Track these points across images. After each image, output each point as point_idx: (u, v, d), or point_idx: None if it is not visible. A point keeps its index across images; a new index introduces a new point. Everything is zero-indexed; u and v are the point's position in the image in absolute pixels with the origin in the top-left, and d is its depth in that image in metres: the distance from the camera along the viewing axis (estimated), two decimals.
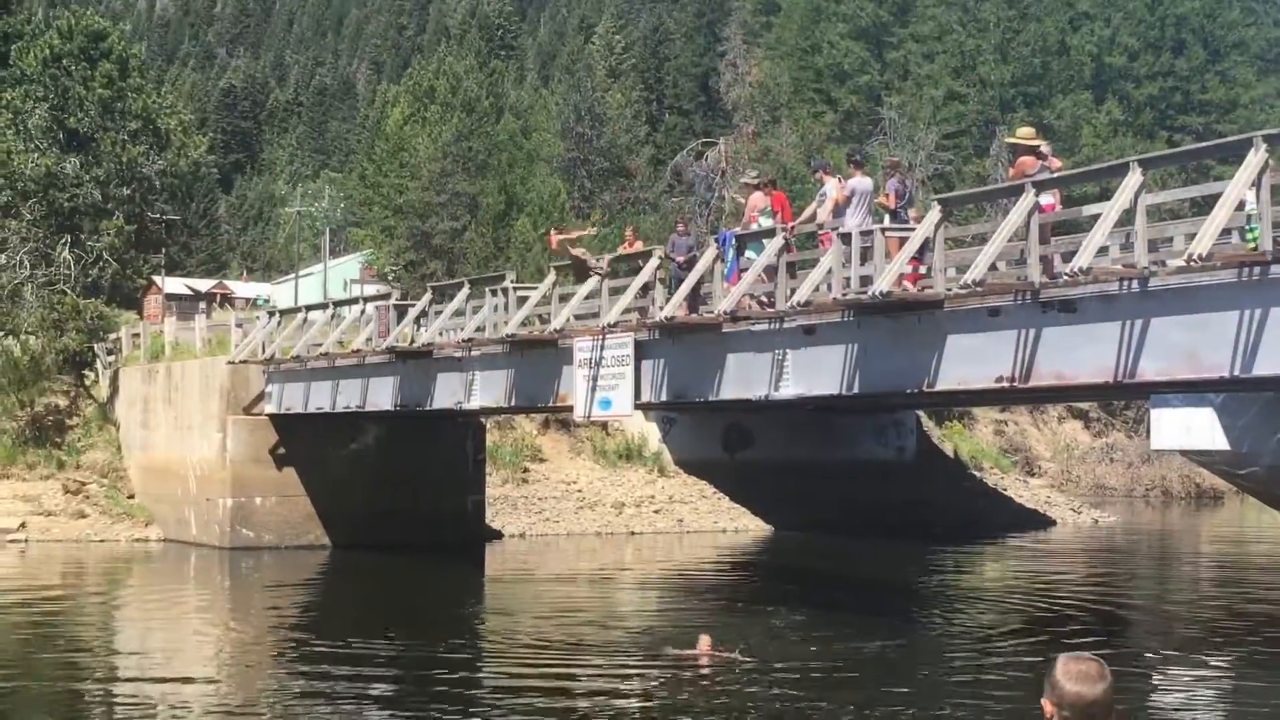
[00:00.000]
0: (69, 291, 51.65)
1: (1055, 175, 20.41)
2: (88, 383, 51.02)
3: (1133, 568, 42.39)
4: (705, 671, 21.02)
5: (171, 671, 22.30)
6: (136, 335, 50.72)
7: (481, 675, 22.08)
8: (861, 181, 22.83)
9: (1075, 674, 5.11)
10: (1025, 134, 21.70)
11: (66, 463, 46.56)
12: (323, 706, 18.95)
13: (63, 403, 49.66)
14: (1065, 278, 18.30)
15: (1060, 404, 70.78)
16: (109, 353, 51.03)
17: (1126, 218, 18.27)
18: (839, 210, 23.19)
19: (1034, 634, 26.24)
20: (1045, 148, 21.52)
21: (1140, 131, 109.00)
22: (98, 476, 46.22)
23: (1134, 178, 17.67)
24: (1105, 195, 23.17)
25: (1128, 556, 45.51)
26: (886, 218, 22.32)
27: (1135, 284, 17.97)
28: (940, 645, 25.13)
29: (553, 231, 34.50)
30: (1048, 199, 19.71)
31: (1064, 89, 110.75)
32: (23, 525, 43.00)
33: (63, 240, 53.42)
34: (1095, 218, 18.61)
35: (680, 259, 26.73)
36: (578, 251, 28.26)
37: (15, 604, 30.08)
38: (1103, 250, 19.49)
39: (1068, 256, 19.03)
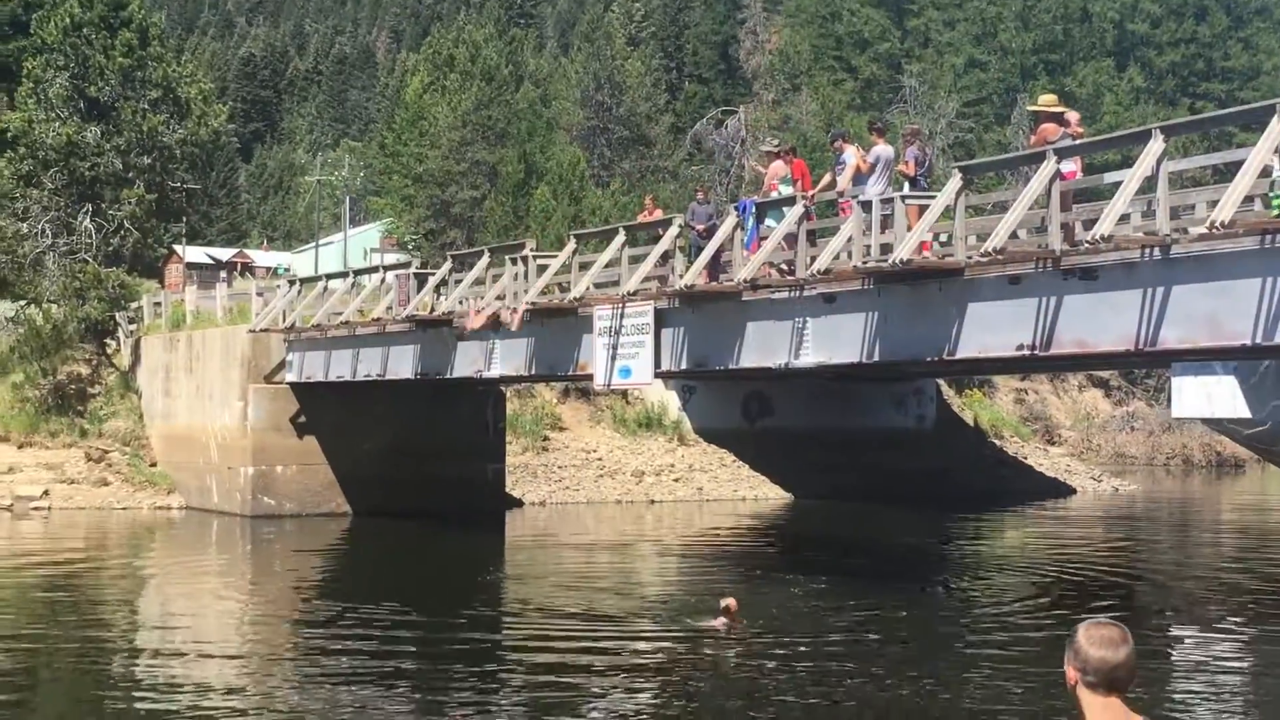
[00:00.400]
0: (90, 260, 51.78)
1: (1077, 142, 20.34)
2: (109, 351, 51.19)
3: (1153, 535, 42.34)
4: (726, 639, 20.91)
5: (192, 635, 22.40)
6: (158, 304, 50.86)
7: (499, 640, 22.13)
8: (884, 149, 22.80)
9: (1099, 639, 5.13)
10: (1048, 101, 21.65)
11: (89, 431, 46.75)
12: (342, 669, 19.02)
13: (85, 371, 49.83)
14: (1086, 245, 18.26)
15: (1081, 372, 70.72)
16: (130, 321, 51.16)
17: (1148, 185, 18.21)
18: (859, 178, 23.17)
19: (1055, 602, 26.25)
20: (1071, 115, 21.46)
21: (1162, 98, 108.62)
22: (120, 445, 46.41)
23: (1156, 145, 17.61)
24: (1127, 162, 23.11)
25: (1148, 524, 45.46)
26: (906, 185, 22.29)
27: (1157, 251, 17.93)
28: (961, 614, 25.14)
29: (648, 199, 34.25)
30: (1069, 166, 19.65)
31: (1086, 56, 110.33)
32: (45, 493, 43.20)
33: (84, 209, 53.53)
34: (1117, 185, 18.55)
35: (700, 227, 26.73)
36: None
37: (39, 570, 30.24)
38: (1124, 218, 19.45)
39: (1089, 224, 18.98)
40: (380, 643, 21.33)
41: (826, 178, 24.72)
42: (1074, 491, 54.05)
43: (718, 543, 38.15)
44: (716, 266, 26.03)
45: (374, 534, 38.91)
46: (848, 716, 16.35)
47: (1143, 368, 67.04)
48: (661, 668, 19.40)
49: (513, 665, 19.86)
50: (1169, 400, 42.08)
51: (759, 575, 29.55)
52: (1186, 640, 22.84)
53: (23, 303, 52.73)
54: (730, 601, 21.60)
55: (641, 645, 21.16)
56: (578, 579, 29.24)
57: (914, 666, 19.30)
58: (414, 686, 18.07)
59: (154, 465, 46.07)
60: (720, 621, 21.33)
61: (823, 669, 19.09)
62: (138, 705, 16.94)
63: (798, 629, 22.13)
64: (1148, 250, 18.10)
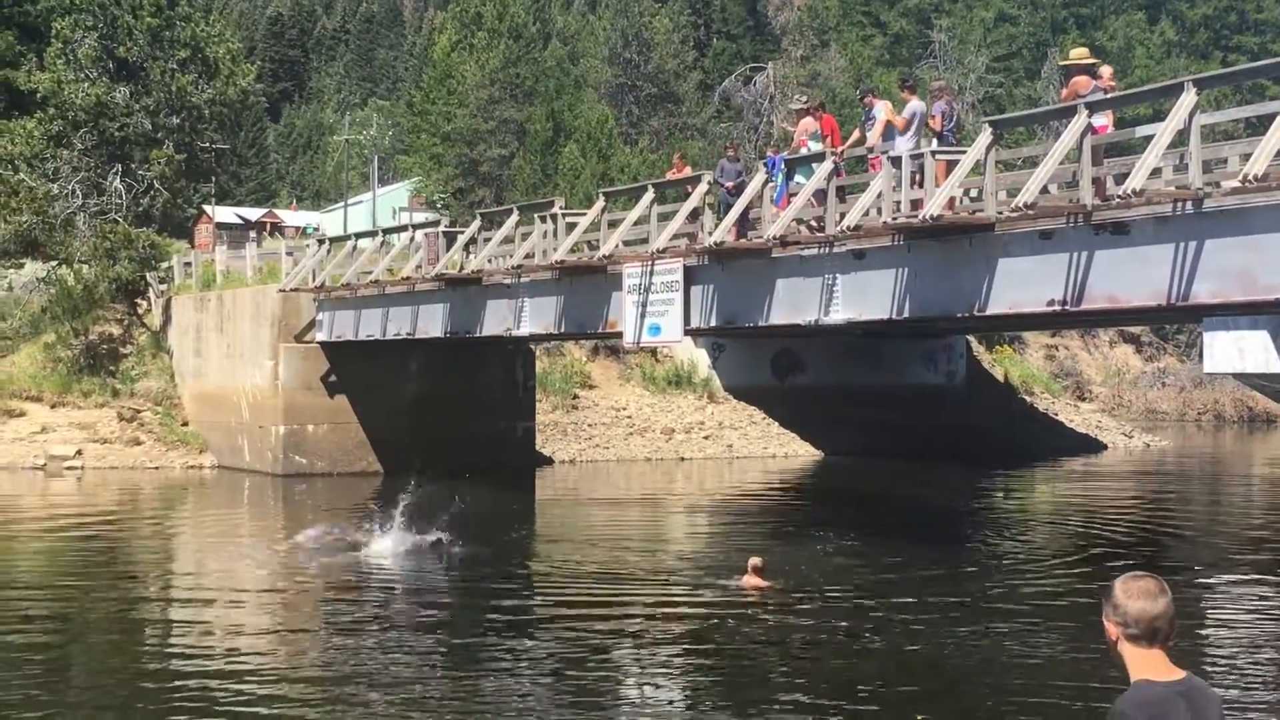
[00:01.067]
0: (120, 221, 51.95)
1: (1108, 96, 20.20)
2: (140, 311, 51.38)
3: (1185, 491, 42.25)
4: (753, 600, 20.84)
5: (224, 589, 22.52)
6: (188, 264, 51.01)
7: (530, 596, 22.20)
8: (917, 105, 22.71)
9: (1137, 591, 5.13)
10: (1079, 54, 21.50)
11: (121, 391, 46.97)
12: (371, 626, 19.12)
13: (116, 331, 50.04)
14: (1118, 200, 18.16)
15: (1112, 328, 70.44)
16: (161, 281, 51.33)
17: (1180, 139, 18.09)
18: (888, 134, 23.08)
19: (1088, 557, 26.22)
20: (1104, 69, 21.33)
21: (1194, 52, 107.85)
22: (152, 404, 46.63)
23: (1188, 98, 17.49)
24: (1159, 116, 22.96)
25: (1180, 480, 45.37)
26: (934, 141, 22.20)
27: (1189, 205, 17.83)
28: (993, 570, 25.12)
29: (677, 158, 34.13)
30: (1101, 120, 19.53)
31: (1117, 9, 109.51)
32: (79, 453, 43.44)
33: (114, 170, 53.67)
34: (1148, 139, 18.44)
35: (729, 185, 26.65)
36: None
37: (73, 528, 30.42)
38: (1156, 172, 19.34)
39: (1120, 178, 18.88)
40: (406, 600, 21.43)
41: (856, 133, 24.64)
42: (1105, 448, 53.94)
43: (748, 500, 38.21)
44: (745, 223, 25.98)
45: (404, 490, 38.98)
46: (875, 674, 16.37)
47: (1174, 323, 66.80)
48: (690, 628, 19.41)
49: (543, 627, 19.92)
50: (1200, 355, 41.93)
51: (790, 532, 29.56)
52: (1222, 594, 22.80)
53: (54, 263, 52.93)
54: (756, 560, 21.59)
55: (670, 604, 21.12)
56: (608, 537, 29.28)
57: (948, 624, 19.31)
58: (443, 633, 18.17)
59: (186, 425, 46.28)
60: (747, 580, 21.31)
61: (854, 627, 19.12)
62: (171, 646, 17.07)
63: (827, 586, 22.12)
64: (1179, 204, 17.99)
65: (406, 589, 22.63)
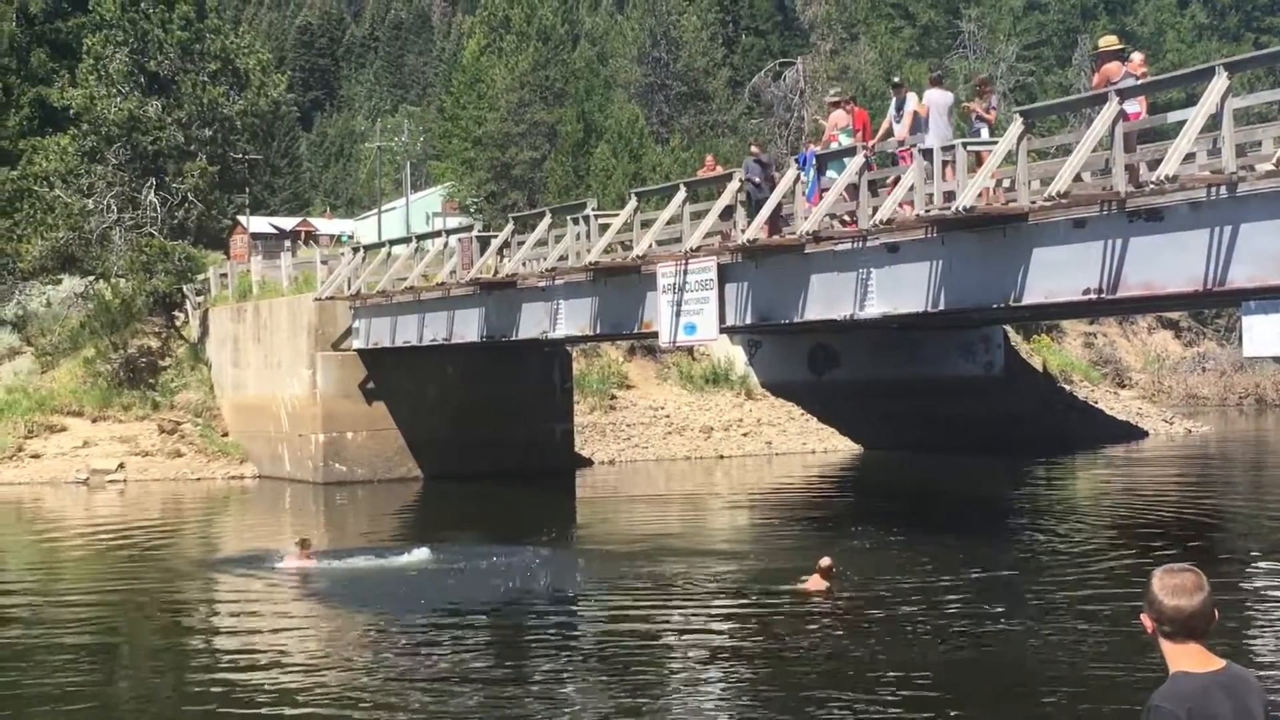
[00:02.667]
0: (156, 234, 52.22)
1: (1140, 82, 20.10)
2: (178, 323, 51.64)
3: (1228, 476, 42.01)
4: (821, 602, 20.43)
5: (269, 588, 22.59)
6: (224, 275, 51.21)
7: (582, 608, 22.18)
8: (940, 95, 22.62)
9: (1172, 588, 5.09)
10: (1109, 42, 21.40)
11: (161, 403, 47.21)
12: (417, 621, 19.14)
13: (154, 344, 50.31)
14: (1152, 186, 18.07)
15: (1150, 314, 70.05)
16: (198, 293, 51.58)
17: (1213, 123, 17.99)
18: (916, 125, 23.02)
19: (1132, 546, 26.09)
20: (1135, 56, 21.23)
21: (1226, 34, 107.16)
22: (192, 416, 46.87)
23: (1220, 82, 17.40)
24: (1191, 101, 22.84)
25: (1223, 466, 45.11)
26: (985, 130, 22.12)
27: (1223, 190, 17.73)
28: (1039, 562, 25.01)
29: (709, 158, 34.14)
30: (1133, 107, 19.43)
31: None
32: (121, 466, 43.69)
33: (148, 183, 53.95)
34: (1181, 124, 18.34)
35: (755, 180, 26.54)
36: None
37: (119, 535, 30.54)
38: (1189, 157, 19.23)
39: (1154, 165, 18.79)
40: (448, 597, 21.44)
41: (885, 125, 24.58)
42: (1146, 434, 53.67)
43: (792, 497, 38.15)
44: (779, 219, 25.94)
45: (446, 495, 39.14)
46: (942, 670, 16.33)
47: (1212, 307, 66.37)
48: (760, 631, 19.33)
49: (597, 634, 19.93)
50: (1240, 339, 41.72)
51: (840, 530, 29.47)
52: (1266, 582, 22.65)
53: (91, 278, 53.26)
54: (826, 561, 21.12)
55: (737, 609, 20.93)
56: (663, 538, 29.15)
57: (1000, 618, 19.25)
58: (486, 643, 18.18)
59: (226, 435, 46.49)
60: (816, 581, 20.96)
61: (918, 625, 19.07)
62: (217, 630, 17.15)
63: (880, 585, 21.96)
64: (1214, 189, 17.89)
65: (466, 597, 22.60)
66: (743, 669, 16.69)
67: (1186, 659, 5.07)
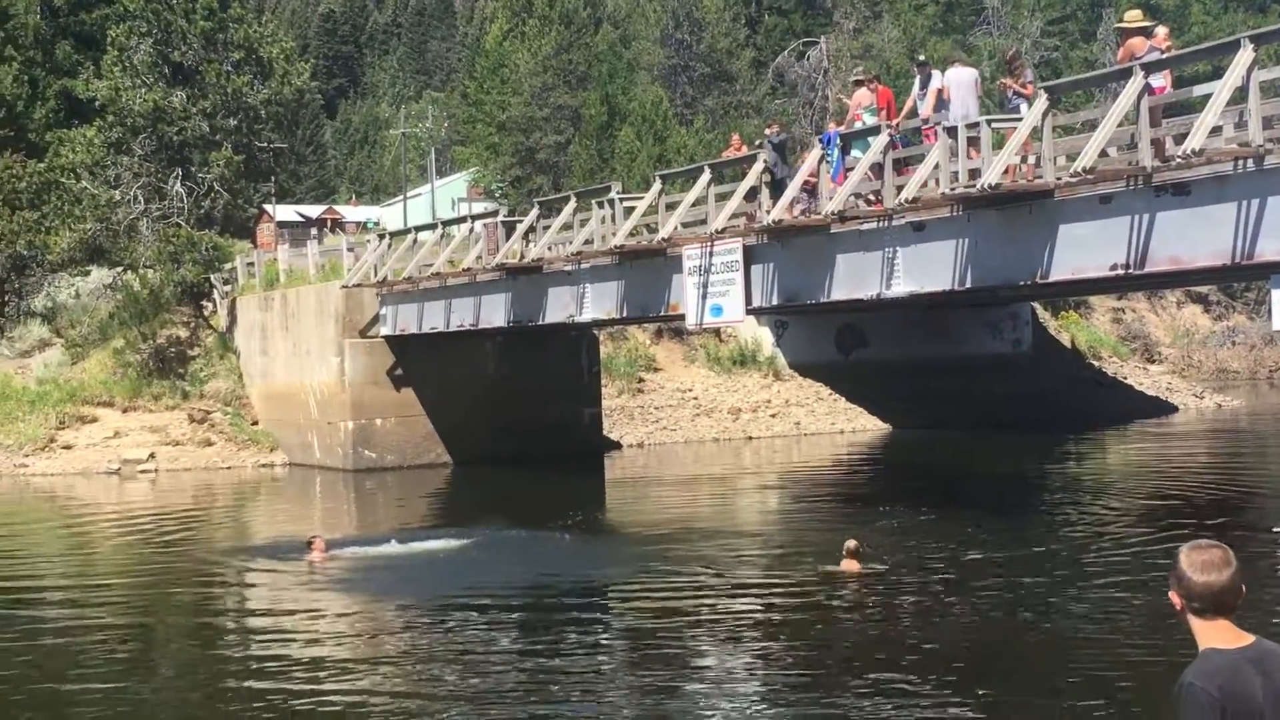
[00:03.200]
0: (183, 224, 52.38)
1: (1164, 56, 20.01)
2: (206, 313, 51.82)
3: (1261, 449, 41.84)
4: (852, 585, 20.25)
5: (291, 577, 22.69)
6: (251, 264, 51.35)
7: (618, 592, 22.19)
8: (960, 73, 22.52)
9: (1200, 564, 5.07)
10: (1133, 17, 21.30)
11: (190, 393, 47.40)
12: (450, 598, 19.18)
13: (183, 334, 50.50)
14: (1178, 160, 17.99)
15: (1178, 288, 69.72)
16: (225, 283, 51.74)
17: (1239, 96, 17.90)
18: (941, 104, 22.96)
19: (1164, 522, 26.01)
20: (1160, 30, 21.11)
21: (1251, 6, 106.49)
22: (221, 405, 47.05)
23: (1246, 54, 17.30)
24: (1217, 74, 22.71)
25: (1254, 439, 44.92)
26: (1024, 106, 22.04)
27: (1250, 163, 17.64)
28: (1071, 538, 24.93)
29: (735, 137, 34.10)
30: (1158, 81, 19.34)
31: None
32: (151, 455, 43.89)
33: (174, 173, 54.11)
34: (1207, 98, 18.24)
35: (771, 160, 26.43)
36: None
37: (152, 522, 30.69)
38: (1216, 130, 19.11)
39: (1180, 139, 18.70)
40: (476, 576, 21.48)
41: (909, 103, 24.51)
42: (1176, 409, 53.47)
43: (819, 477, 38.13)
44: (804, 195, 25.87)
45: (476, 480, 39.24)
46: (977, 649, 16.32)
47: (1241, 281, 66.03)
48: (790, 613, 19.33)
49: (626, 617, 19.97)
50: (1269, 313, 41.50)
51: (873, 509, 29.44)
52: None
53: (119, 269, 53.48)
54: (852, 543, 21.05)
55: (766, 590, 20.92)
56: (686, 520, 29.23)
57: (1026, 598, 19.23)
58: (516, 615, 18.22)
59: (255, 424, 46.66)
60: (848, 563, 20.82)
61: (952, 604, 19.07)
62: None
63: (915, 562, 21.92)
64: (1241, 162, 17.81)
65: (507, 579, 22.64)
66: (774, 649, 16.70)
67: (1216, 636, 5.06)
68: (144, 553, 27.17)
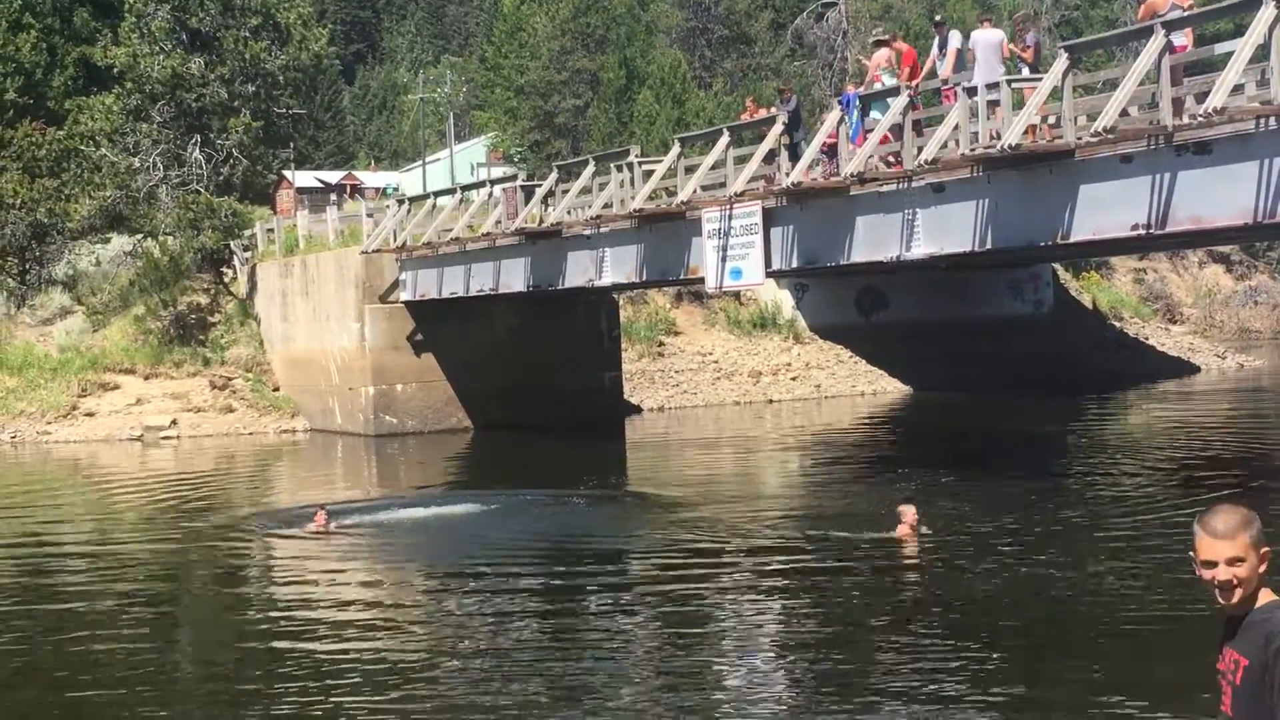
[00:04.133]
0: (202, 191, 52.39)
1: (1186, 14, 19.86)
2: (226, 280, 51.89)
3: None
4: (910, 551, 19.79)
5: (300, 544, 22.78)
6: (270, 230, 51.38)
7: (714, 550, 22.14)
8: (987, 34, 22.37)
9: (1213, 528, 4.97)
10: None
11: (211, 360, 47.50)
12: (468, 560, 19.23)
13: (204, 300, 50.60)
14: (1199, 119, 17.88)
15: (1200, 248, 69.34)
16: (245, 249, 51.79)
17: (1261, 54, 17.77)
18: (960, 64, 22.85)
19: (1190, 483, 25.96)
20: None
21: None
22: (243, 371, 47.15)
23: (1268, 11, 17.17)
24: (1239, 32, 22.54)
25: (1277, 399, 44.75)
26: (1025, 70, 21.92)
27: (1273, 121, 17.53)
28: (1096, 500, 24.87)
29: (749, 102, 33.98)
30: (1179, 39, 19.21)
31: None
32: (174, 422, 44.03)
33: (193, 140, 54.10)
34: (1229, 56, 18.12)
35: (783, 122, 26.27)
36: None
37: (175, 487, 30.79)
38: (1237, 89, 18.99)
39: (1201, 97, 18.59)
40: (500, 537, 21.53)
41: (929, 64, 24.39)
42: (1198, 370, 53.29)
43: (840, 438, 38.10)
44: (831, 157, 25.75)
45: (497, 444, 39.32)
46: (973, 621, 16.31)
47: (1263, 240, 65.64)
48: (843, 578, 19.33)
49: (647, 585, 19.99)
50: None
51: (893, 473, 29.41)
52: None
53: (140, 236, 53.54)
54: (909, 509, 20.39)
55: (823, 558, 20.64)
56: (707, 484, 29.24)
57: (1047, 564, 19.20)
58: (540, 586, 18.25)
59: (276, 390, 46.75)
60: (903, 530, 20.13)
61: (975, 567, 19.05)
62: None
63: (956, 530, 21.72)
64: (1263, 120, 17.70)
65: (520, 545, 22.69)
66: (798, 611, 16.71)
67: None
68: (166, 518, 27.24)
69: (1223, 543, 4.91)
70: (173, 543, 24.12)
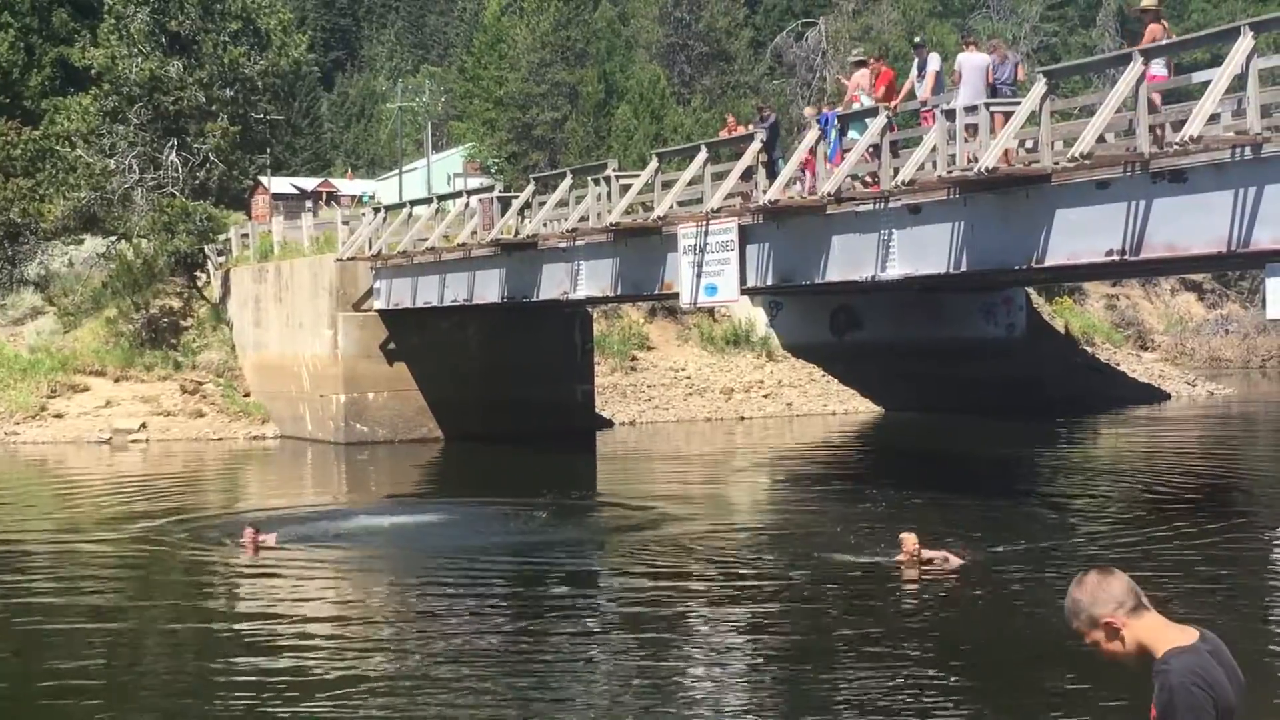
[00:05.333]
0: (178, 194, 52.25)
1: (1162, 43, 19.97)
2: (200, 284, 51.73)
3: (1251, 438, 41.88)
4: (912, 575, 19.23)
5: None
6: (245, 235, 51.27)
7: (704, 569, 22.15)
8: (973, 57, 22.46)
9: (1091, 585, 5.06)
10: (1149, 2, 21.22)
11: (183, 363, 47.34)
12: (441, 567, 19.20)
13: (176, 304, 50.43)
14: (1175, 147, 17.97)
15: (1173, 276, 69.66)
16: (219, 253, 51.65)
17: (1238, 83, 17.88)
18: (939, 86, 22.93)
19: (1156, 510, 26.04)
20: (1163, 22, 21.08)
21: None
22: (214, 376, 47.00)
23: (1245, 42, 17.28)
24: (1216, 61, 22.68)
25: (1245, 425, 44.95)
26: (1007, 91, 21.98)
27: (1248, 151, 17.63)
28: (1064, 524, 24.92)
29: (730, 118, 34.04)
30: (1158, 69, 19.31)
31: None
32: (143, 426, 43.86)
33: (169, 143, 53.98)
34: (1206, 85, 18.22)
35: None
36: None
37: (141, 493, 30.64)
38: (1214, 118, 19.09)
39: (1178, 125, 18.68)
40: (466, 548, 21.51)
41: (907, 86, 24.47)
42: (1168, 397, 53.49)
43: (810, 457, 38.14)
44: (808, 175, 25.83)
45: (467, 455, 39.25)
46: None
47: (1236, 269, 65.96)
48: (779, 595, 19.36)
49: (614, 599, 19.96)
50: (1263, 302, 41.54)
51: (861, 495, 29.44)
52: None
53: (113, 238, 53.36)
54: (910, 539, 19.63)
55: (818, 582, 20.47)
56: (674, 499, 29.23)
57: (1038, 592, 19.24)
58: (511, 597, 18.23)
59: (247, 395, 46.61)
60: (905, 556, 19.49)
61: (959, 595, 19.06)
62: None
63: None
64: (1238, 150, 17.80)
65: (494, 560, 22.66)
66: (764, 634, 16.72)
67: (1166, 635, 4.95)
68: (132, 521, 27.08)
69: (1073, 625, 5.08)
70: (127, 546, 23.95)
